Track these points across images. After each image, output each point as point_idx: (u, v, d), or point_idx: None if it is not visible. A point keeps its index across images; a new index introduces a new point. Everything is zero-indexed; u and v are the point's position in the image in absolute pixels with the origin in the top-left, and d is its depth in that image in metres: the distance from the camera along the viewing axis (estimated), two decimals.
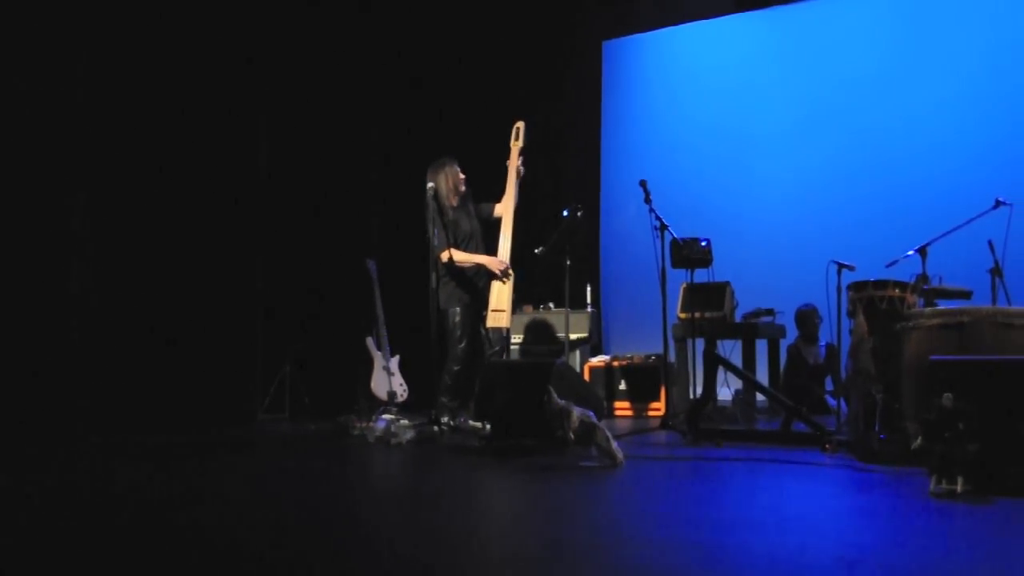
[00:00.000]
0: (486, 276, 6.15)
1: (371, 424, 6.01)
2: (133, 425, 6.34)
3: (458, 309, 6.14)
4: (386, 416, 6.26)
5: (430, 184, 6.09)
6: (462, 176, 6.27)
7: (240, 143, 7.64)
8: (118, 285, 6.65)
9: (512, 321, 8.04)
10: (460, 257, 6.10)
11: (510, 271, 6.11)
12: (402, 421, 6.04)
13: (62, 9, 6.34)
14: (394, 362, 7.12)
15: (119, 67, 6.72)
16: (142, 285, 6.80)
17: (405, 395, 7.07)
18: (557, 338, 7.92)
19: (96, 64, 6.58)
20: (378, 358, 7.07)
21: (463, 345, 6.12)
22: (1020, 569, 2.24)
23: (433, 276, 6.09)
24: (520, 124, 6.44)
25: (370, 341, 7.12)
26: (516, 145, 6.38)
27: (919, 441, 3.38)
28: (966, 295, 5.42)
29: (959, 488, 3.23)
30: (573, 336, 7.91)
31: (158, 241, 6.93)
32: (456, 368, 6.10)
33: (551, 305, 8.32)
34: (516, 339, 8.17)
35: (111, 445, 5.50)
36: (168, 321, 6.91)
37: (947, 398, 3.30)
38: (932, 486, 3.30)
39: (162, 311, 6.89)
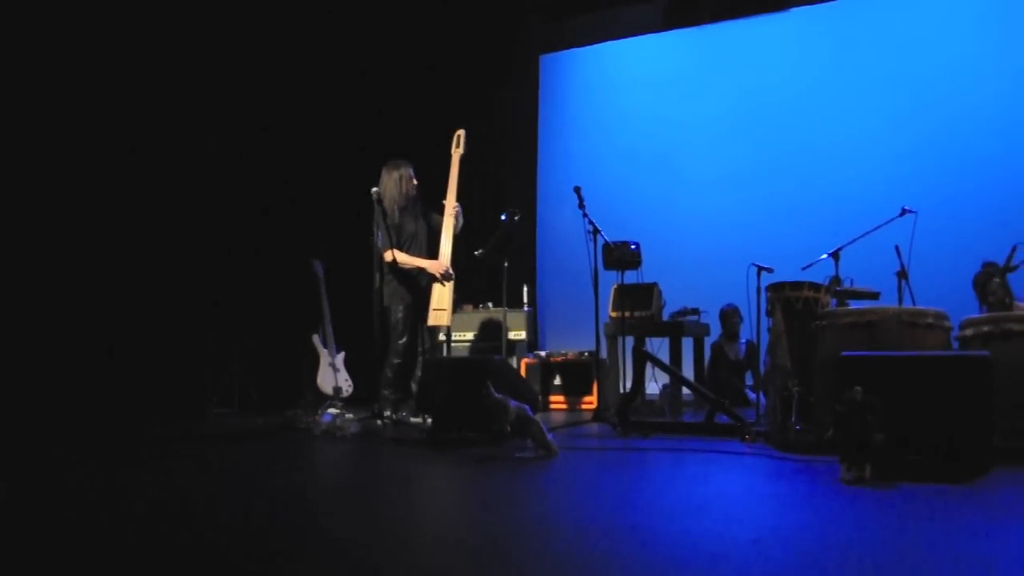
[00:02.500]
0: (428, 276, 6.15)
1: (317, 418, 5.97)
2: (86, 420, 6.22)
3: (400, 307, 6.13)
4: (332, 410, 6.22)
5: (374, 189, 6.07)
6: (414, 182, 6.27)
7: (190, 146, 7.52)
8: (71, 284, 6.52)
9: (465, 321, 8.10)
10: (402, 259, 6.10)
11: (450, 273, 6.13)
12: (347, 415, 6.02)
13: None
14: (339, 358, 7.07)
15: (70, 70, 6.59)
16: (95, 284, 6.67)
17: (350, 390, 7.02)
18: (511, 336, 7.99)
19: (43, 64, 6.44)
20: (324, 355, 7.01)
21: (403, 341, 6.12)
22: (919, 545, 2.31)
23: (377, 276, 6.08)
24: (461, 132, 6.45)
25: (316, 338, 7.06)
26: (457, 152, 6.39)
27: (831, 431, 3.45)
28: (874, 296, 5.54)
29: (867, 475, 3.31)
30: (511, 335, 7.95)
31: (111, 240, 6.81)
32: (396, 362, 6.10)
33: (490, 304, 8.33)
34: (468, 336, 8.18)
35: (65, 440, 5.38)
36: (120, 320, 6.79)
37: (857, 391, 3.38)
38: (843, 473, 3.37)
39: (115, 310, 6.77)
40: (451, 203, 6.25)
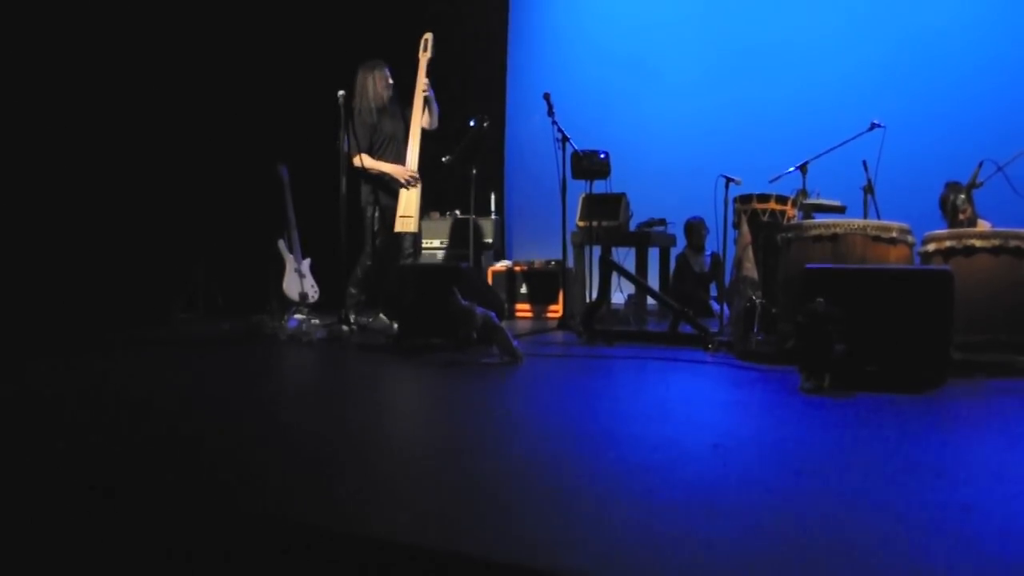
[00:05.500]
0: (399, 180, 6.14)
1: (283, 323, 5.97)
2: (52, 324, 6.17)
3: (376, 209, 6.12)
4: (298, 316, 6.22)
5: (340, 92, 5.96)
6: (391, 81, 6.19)
7: (153, 47, 7.31)
8: (37, 189, 6.40)
9: (432, 228, 8.09)
10: (369, 164, 6.05)
11: (414, 178, 6.09)
12: (313, 321, 6.01)
13: None
14: (305, 264, 7.03)
15: None
16: (59, 189, 6.55)
17: (316, 296, 7.01)
18: (482, 242, 7.99)
19: None
20: (290, 260, 6.97)
21: (377, 242, 6.12)
22: (873, 451, 2.37)
23: (343, 181, 6.01)
24: (428, 35, 6.33)
25: (282, 244, 7.00)
26: (425, 56, 6.28)
27: (792, 342, 3.50)
28: (840, 209, 5.58)
29: (826, 384, 3.38)
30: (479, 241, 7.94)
31: (75, 144, 6.67)
32: (368, 263, 6.12)
33: (457, 212, 8.30)
34: (436, 243, 8.17)
35: (32, 344, 5.34)
36: (81, 222, 6.70)
37: (819, 303, 3.42)
38: (802, 382, 3.43)
39: (79, 214, 6.67)
40: (418, 107, 6.17)
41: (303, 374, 4.44)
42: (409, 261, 6.19)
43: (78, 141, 6.72)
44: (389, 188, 6.18)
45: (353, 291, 6.13)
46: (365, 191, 6.18)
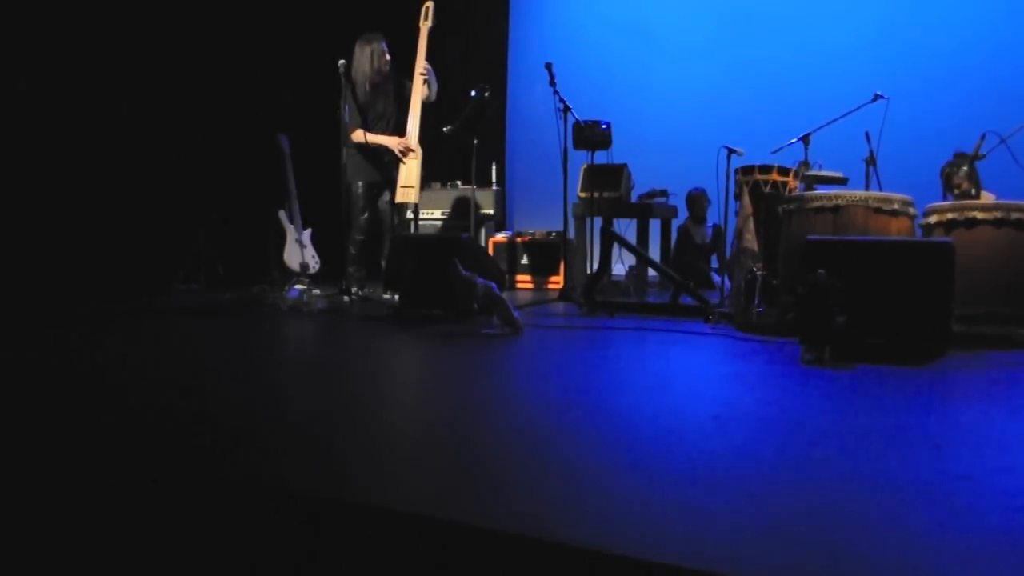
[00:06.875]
0: (392, 152, 6.11)
1: (284, 294, 5.97)
2: (53, 295, 6.17)
3: (361, 183, 6.11)
4: (299, 286, 6.21)
5: (341, 62, 5.92)
6: (387, 57, 6.14)
7: (153, 18, 7.25)
8: (38, 161, 6.38)
9: (433, 198, 8.06)
10: (370, 138, 6.04)
11: (409, 150, 6.07)
12: (314, 291, 6.01)
13: None
14: (306, 235, 7.01)
15: None
16: (60, 161, 6.53)
17: (317, 267, 6.99)
18: (480, 214, 7.98)
19: None
20: (290, 231, 6.95)
21: (365, 216, 6.13)
22: (872, 422, 2.38)
23: (344, 152, 6.00)
24: (430, 4, 6.29)
25: (283, 214, 6.98)
26: (425, 25, 6.24)
27: (793, 313, 3.50)
28: (843, 181, 5.56)
29: (826, 356, 3.38)
30: (480, 213, 7.92)
31: (76, 114, 6.63)
32: (359, 238, 6.13)
33: (458, 182, 8.27)
34: (436, 213, 8.17)
35: (33, 313, 5.35)
36: (85, 195, 6.68)
37: (820, 274, 3.42)
38: (802, 354, 3.44)
39: (80, 185, 6.65)
40: (419, 69, 6.14)
41: (304, 344, 4.45)
42: (401, 231, 6.19)
43: (80, 113, 6.68)
44: (379, 161, 6.14)
45: (351, 270, 6.13)
46: (351, 165, 6.12)
